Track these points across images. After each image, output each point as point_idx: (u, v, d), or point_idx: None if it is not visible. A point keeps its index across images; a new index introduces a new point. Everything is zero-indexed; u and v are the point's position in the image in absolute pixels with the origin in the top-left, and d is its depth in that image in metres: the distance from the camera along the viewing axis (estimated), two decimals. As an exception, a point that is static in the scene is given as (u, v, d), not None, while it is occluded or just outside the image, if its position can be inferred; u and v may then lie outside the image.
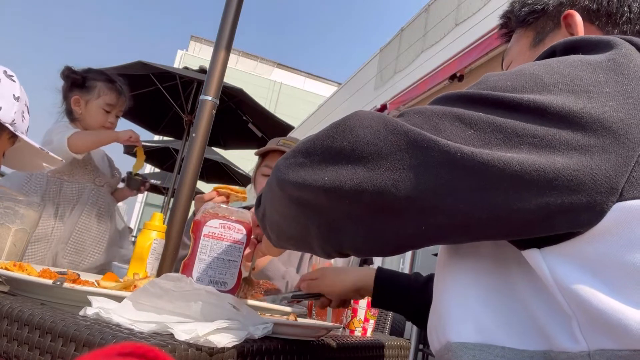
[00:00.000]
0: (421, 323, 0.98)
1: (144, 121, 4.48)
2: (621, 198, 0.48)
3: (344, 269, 1.11)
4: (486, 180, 0.47)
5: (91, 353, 0.33)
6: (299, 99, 27.51)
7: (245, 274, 1.11)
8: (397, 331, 1.86)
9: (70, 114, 1.91)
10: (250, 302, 1.02)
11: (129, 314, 0.62)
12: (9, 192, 1.34)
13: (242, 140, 4.74)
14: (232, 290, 0.97)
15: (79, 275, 0.86)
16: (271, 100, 26.42)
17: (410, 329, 3.02)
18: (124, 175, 2.09)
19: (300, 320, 0.89)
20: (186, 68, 4.43)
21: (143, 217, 21.29)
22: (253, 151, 2.04)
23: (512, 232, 0.51)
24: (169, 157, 6.26)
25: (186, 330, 0.59)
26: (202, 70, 4.04)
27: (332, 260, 1.21)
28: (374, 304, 1.08)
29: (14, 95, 1.07)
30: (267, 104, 22.35)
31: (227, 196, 1.22)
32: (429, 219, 0.50)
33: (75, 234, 1.80)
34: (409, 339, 2.91)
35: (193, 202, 1.44)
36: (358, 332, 1.14)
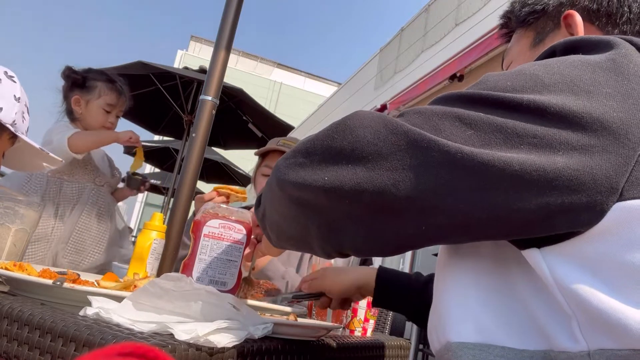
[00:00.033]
0: (422, 323, 0.98)
1: (144, 121, 4.48)
2: (621, 198, 0.48)
3: (344, 269, 1.11)
4: (486, 180, 0.47)
5: (91, 353, 0.33)
6: (299, 99, 27.51)
7: (245, 274, 1.11)
8: (397, 331, 1.86)
9: (70, 114, 1.91)
10: (250, 302, 1.02)
11: (129, 314, 0.62)
12: (9, 192, 1.34)
13: (242, 140, 4.74)
14: (232, 290, 0.97)
15: (79, 275, 0.86)
16: (271, 100, 26.43)
17: (410, 329, 3.02)
18: (123, 175, 2.09)
19: (300, 320, 0.89)
20: (186, 68, 4.43)
21: (143, 217, 21.29)
22: (253, 151, 2.04)
23: (512, 232, 0.51)
24: (169, 157, 6.26)
25: (186, 330, 0.59)
26: (202, 70, 4.04)
27: (332, 261, 1.21)
28: (374, 303, 1.08)
29: (14, 96, 1.07)
30: (267, 104, 22.35)
31: (227, 196, 1.22)
32: (429, 219, 0.50)
33: (76, 233, 1.80)
34: (409, 339, 2.91)
35: (193, 202, 1.44)
36: (358, 332, 1.14)
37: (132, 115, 4.13)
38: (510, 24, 0.83)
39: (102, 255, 1.85)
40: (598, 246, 0.48)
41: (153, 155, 6.17)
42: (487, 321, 0.53)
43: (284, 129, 4.19)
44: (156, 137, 7.93)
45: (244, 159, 10.71)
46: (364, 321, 1.15)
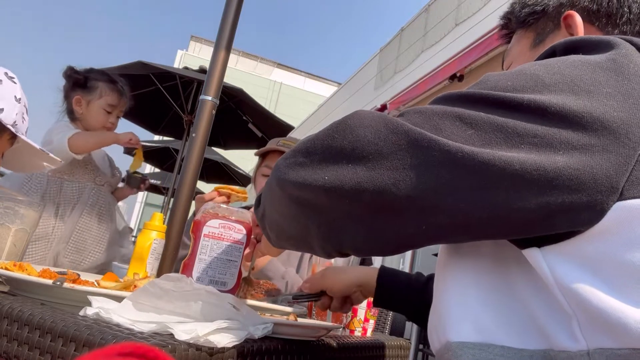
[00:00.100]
0: (423, 323, 0.98)
1: (144, 121, 4.48)
2: (621, 197, 0.48)
3: (345, 268, 1.11)
4: (487, 179, 0.47)
5: (91, 353, 0.33)
6: (299, 99, 27.51)
7: (245, 274, 1.11)
8: (397, 331, 1.86)
9: (71, 114, 1.91)
10: (250, 302, 1.02)
11: (129, 314, 0.62)
12: (9, 192, 1.34)
13: (242, 140, 4.74)
14: (232, 290, 0.97)
15: (79, 275, 0.86)
16: (271, 100, 26.43)
17: (410, 329, 3.02)
18: (124, 175, 2.09)
19: (300, 320, 0.89)
20: (186, 68, 4.43)
21: (143, 217, 21.28)
22: (253, 151, 2.04)
23: (512, 232, 0.51)
24: (169, 157, 6.26)
25: (186, 330, 0.59)
26: (202, 70, 4.04)
27: (332, 260, 1.21)
28: (375, 302, 1.08)
29: (15, 96, 1.07)
30: (267, 104, 22.35)
31: (228, 196, 1.22)
32: (430, 219, 0.50)
33: (76, 233, 1.80)
34: (409, 339, 2.91)
35: (193, 202, 1.44)
36: (358, 332, 1.14)
37: (132, 115, 4.12)
38: (511, 25, 0.83)
39: (103, 254, 1.86)
40: (598, 245, 0.48)
41: (153, 155, 6.17)
42: (487, 320, 0.53)
43: (284, 129, 4.19)
44: (156, 137, 7.94)
45: (244, 159, 10.71)
46: (364, 321, 1.15)
